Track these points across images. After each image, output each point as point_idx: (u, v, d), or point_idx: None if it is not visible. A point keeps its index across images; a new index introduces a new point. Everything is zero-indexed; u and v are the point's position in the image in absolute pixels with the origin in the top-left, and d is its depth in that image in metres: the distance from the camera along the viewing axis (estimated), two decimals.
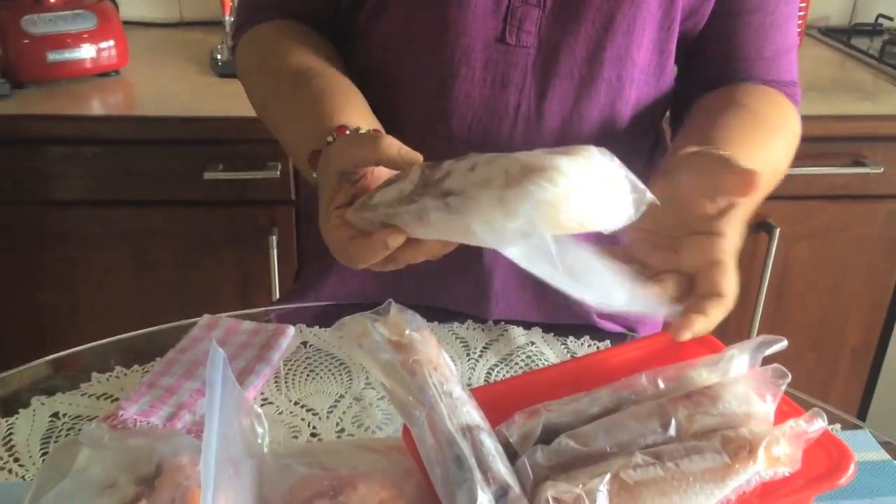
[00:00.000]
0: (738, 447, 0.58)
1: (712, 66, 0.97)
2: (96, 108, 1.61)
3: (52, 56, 1.62)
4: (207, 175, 1.57)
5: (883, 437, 0.80)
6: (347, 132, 0.74)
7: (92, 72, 1.68)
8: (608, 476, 0.56)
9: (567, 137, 0.92)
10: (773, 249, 1.73)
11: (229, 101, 1.61)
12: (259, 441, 0.63)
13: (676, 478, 0.57)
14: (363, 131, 0.75)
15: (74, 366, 0.89)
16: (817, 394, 0.83)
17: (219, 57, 1.78)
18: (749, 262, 1.74)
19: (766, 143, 0.87)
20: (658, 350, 0.73)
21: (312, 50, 0.91)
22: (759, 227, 1.72)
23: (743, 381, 0.63)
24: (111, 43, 1.68)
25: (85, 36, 1.65)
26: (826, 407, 0.82)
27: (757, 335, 1.86)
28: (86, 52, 1.65)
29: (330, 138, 0.73)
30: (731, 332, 1.77)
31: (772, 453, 0.59)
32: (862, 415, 1.96)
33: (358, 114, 0.80)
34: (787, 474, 0.60)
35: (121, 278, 1.70)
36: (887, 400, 1.93)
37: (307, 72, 0.86)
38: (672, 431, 0.60)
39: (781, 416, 0.62)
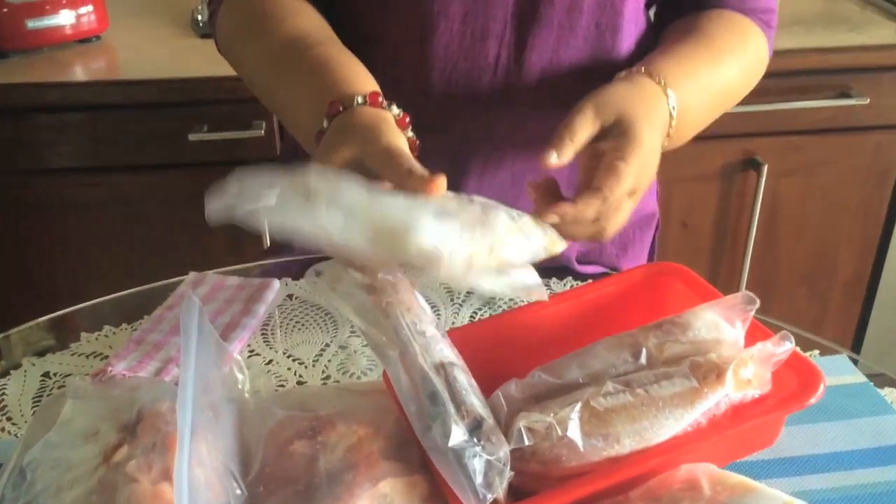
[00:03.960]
0: (706, 371, 0.59)
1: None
2: (79, 74, 1.60)
3: (32, 23, 1.61)
4: (193, 136, 1.56)
5: (876, 369, 0.80)
6: (342, 108, 0.73)
7: (73, 38, 1.67)
8: (579, 405, 0.57)
9: (546, 86, 0.92)
10: (762, 186, 1.72)
11: (212, 61, 1.59)
12: (240, 387, 0.64)
13: (646, 403, 0.58)
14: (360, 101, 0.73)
15: (65, 326, 0.90)
16: (809, 330, 0.83)
17: (199, 17, 1.77)
18: (738, 199, 1.74)
19: (712, 65, 0.87)
20: (632, 285, 0.74)
21: (302, 13, 0.88)
22: (746, 164, 1.72)
23: (712, 309, 0.64)
24: (90, 8, 1.67)
25: (63, 2, 1.63)
26: (817, 339, 0.83)
27: (748, 272, 1.86)
28: (65, 18, 1.64)
29: (325, 123, 0.73)
30: (723, 269, 1.78)
31: (740, 376, 0.60)
32: (856, 349, 1.97)
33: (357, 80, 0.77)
34: (756, 396, 0.61)
35: (112, 243, 1.70)
36: (881, 333, 1.94)
37: (304, 39, 0.83)
38: (643, 360, 0.62)
39: (753, 342, 0.62)
